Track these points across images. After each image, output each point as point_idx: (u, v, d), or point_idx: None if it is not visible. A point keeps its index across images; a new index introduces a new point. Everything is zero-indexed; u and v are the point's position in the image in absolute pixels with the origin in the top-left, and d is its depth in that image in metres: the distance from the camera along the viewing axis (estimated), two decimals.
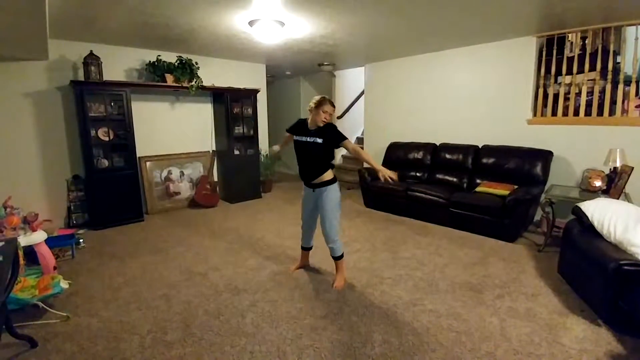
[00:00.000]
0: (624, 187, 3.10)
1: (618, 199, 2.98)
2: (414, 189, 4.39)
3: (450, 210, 3.99)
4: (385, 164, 5.36)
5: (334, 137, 2.46)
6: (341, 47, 4.71)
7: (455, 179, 4.53)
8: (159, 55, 4.52)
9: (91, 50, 3.92)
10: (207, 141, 5.44)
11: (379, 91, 5.90)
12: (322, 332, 2.09)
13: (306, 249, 2.94)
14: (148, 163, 4.78)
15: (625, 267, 1.99)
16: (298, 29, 3.74)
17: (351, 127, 7.53)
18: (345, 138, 2.46)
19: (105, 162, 4.18)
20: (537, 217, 4.05)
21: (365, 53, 5.26)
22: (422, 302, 2.41)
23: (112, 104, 4.18)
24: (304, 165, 2.60)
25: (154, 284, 2.74)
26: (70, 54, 4.02)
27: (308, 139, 2.51)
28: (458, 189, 4.33)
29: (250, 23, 3.43)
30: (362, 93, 6.49)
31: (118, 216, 4.23)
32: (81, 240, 3.57)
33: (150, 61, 4.50)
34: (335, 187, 2.57)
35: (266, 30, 3.49)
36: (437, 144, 4.94)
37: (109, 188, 4.13)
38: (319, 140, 2.46)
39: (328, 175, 2.55)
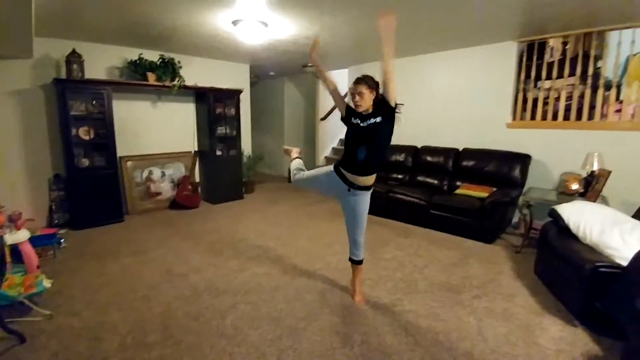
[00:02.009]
0: (601, 191, 3.19)
1: (595, 202, 3.07)
2: (396, 191, 4.42)
3: (431, 212, 4.03)
4: None
5: (386, 104, 2.02)
6: (325, 49, 4.71)
7: (436, 181, 4.59)
8: (141, 54, 4.44)
9: (74, 48, 3.83)
10: (189, 141, 5.35)
11: None
12: (302, 332, 2.08)
13: (359, 262, 2.46)
14: (129, 163, 4.68)
15: (601, 269, 2.05)
16: (282, 30, 3.73)
17: (334, 129, 7.54)
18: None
19: (86, 162, 4.08)
20: (515, 219, 4.14)
21: (349, 55, 5.28)
22: (402, 303, 2.43)
23: (94, 102, 4.08)
24: (355, 157, 2.10)
25: (134, 285, 2.69)
26: (53, 51, 3.93)
27: (364, 123, 2.04)
28: (439, 191, 4.39)
29: (234, 23, 3.40)
30: (346, 95, 6.50)
31: (99, 216, 4.13)
32: (62, 240, 3.51)
33: (132, 59, 4.41)
34: (370, 193, 2.30)
35: (250, 31, 3.47)
36: (419, 147, 5.00)
37: (89, 188, 4.04)
38: (378, 120, 2.00)
39: (375, 179, 2.23)
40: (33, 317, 2.23)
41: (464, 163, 4.39)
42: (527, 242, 3.44)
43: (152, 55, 4.53)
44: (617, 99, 3.57)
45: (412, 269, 3.00)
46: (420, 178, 4.77)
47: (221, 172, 5.27)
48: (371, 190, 2.26)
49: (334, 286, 2.69)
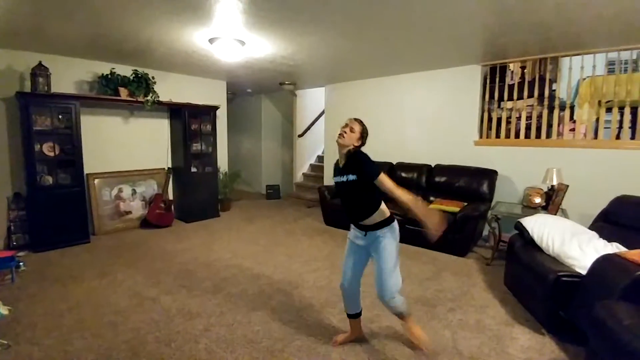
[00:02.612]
0: (560, 204, 3.40)
1: (556, 214, 3.26)
2: None
3: (406, 227, 4.11)
4: None
5: (368, 170, 1.86)
6: (302, 68, 4.83)
7: None
8: (113, 69, 4.34)
9: (40, 61, 3.69)
10: (162, 158, 5.23)
11: (338, 111, 6.06)
12: (279, 354, 2.04)
13: (354, 315, 2.16)
14: (97, 180, 4.49)
15: (564, 278, 2.17)
16: (259, 49, 3.79)
17: (312, 145, 7.63)
18: (379, 173, 1.83)
19: (50, 179, 3.87)
20: (485, 232, 4.31)
21: (326, 74, 5.42)
22: (379, 319, 2.43)
23: (60, 117, 3.92)
24: (346, 207, 2.05)
25: (100, 310, 2.54)
26: (17, 64, 3.78)
27: (342, 179, 1.96)
28: None
29: (211, 41, 3.42)
30: (323, 112, 6.64)
31: (62, 237, 3.90)
32: (22, 263, 3.29)
33: (103, 74, 4.30)
34: (394, 226, 1.98)
35: (226, 49, 3.50)
36: (394, 163, 5.14)
37: (52, 207, 3.81)
38: (352, 177, 1.90)
39: (381, 214, 1.94)
40: None
41: (437, 179, 4.55)
42: (497, 254, 3.58)
43: (125, 70, 4.45)
44: (571, 118, 3.87)
45: None
46: None
47: (196, 190, 5.16)
48: (393, 222, 1.99)
49: (312, 304, 2.66)
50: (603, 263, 2.00)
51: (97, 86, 4.34)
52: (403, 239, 4.06)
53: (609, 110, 3.68)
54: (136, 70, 4.53)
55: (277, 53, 3.97)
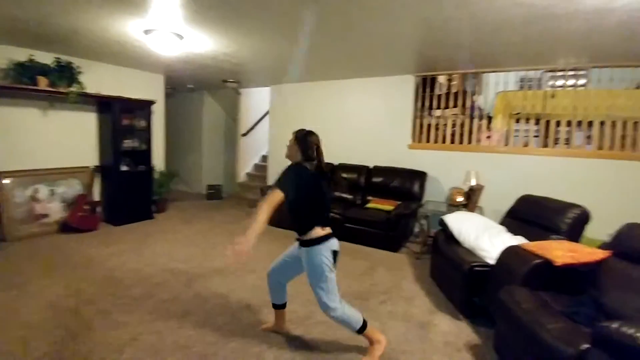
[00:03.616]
0: (477, 202, 3.81)
1: (473, 212, 3.64)
2: None
3: (345, 225, 4.28)
4: None
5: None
6: (246, 67, 4.76)
7: (350, 196, 4.91)
8: (32, 55, 3.87)
9: None
10: (88, 155, 4.78)
11: (282, 112, 6.09)
12: (213, 357, 2.01)
13: (275, 306, 2.25)
14: (8, 180, 3.95)
15: (476, 268, 2.45)
16: (199, 44, 3.66)
17: (256, 145, 7.53)
18: (275, 187, 1.90)
19: None
20: (417, 229, 4.65)
21: (270, 74, 5.41)
22: (315, 316, 2.50)
23: None
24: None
25: (7, 325, 2.26)
26: None
27: None
28: (352, 205, 4.70)
29: (146, 32, 3.23)
30: (268, 112, 6.60)
31: None
32: None
33: (19, 61, 3.81)
34: (315, 251, 1.93)
35: (163, 42, 3.33)
36: (336, 164, 5.29)
37: None
38: None
39: (312, 233, 1.95)
40: None
41: (374, 179, 4.80)
42: (426, 249, 3.88)
43: (46, 58, 4.00)
44: (488, 127, 4.37)
45: None
46: (336, 193, 5.03)
47: (127, 190, 4.79)
48: (317, 246, 1.94)
49: (248, 305, 2.65)
50: (508, 254, 2.30)
51: (12, 74, 3.82)
52: (343, 237, 4.25)
53: (518, 121, 4.23)
54: (59, 58, 4.09)
55: (219, 50, 3.87)
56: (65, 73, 4.11)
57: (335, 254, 2.00)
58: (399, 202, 4.29)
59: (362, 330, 1.99)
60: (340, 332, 2.29)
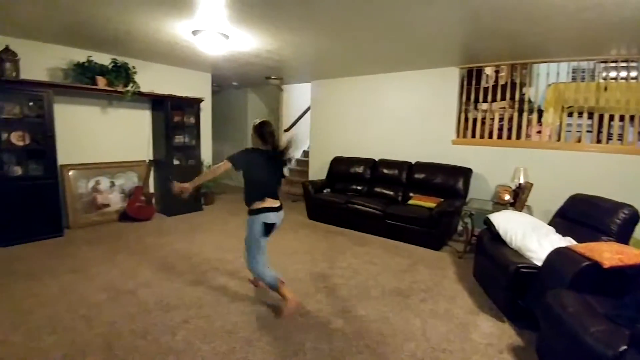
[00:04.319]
0: (525, 201, 3.60)
1: (521, 211, 3.45)
2: (354, 201, 4.60)
3: (386, 221, 4.24)
4: (329, 177, 5.58)
5: None
6: (287, 63, 4.85)
7: (391, 192, 4.84)
8: (90, 56, 4.22)
9: (7, 46, 3.53)
10: (143, 150, 5.15)
11: (324, 107, 6.13)
12: (256, 343, 2.10)
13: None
14: (72, 172, 4.38)
15: (522, 270, 2.33)
16: (243, 43, 3.78)
17: (298, 140, 7.66)
18: (226, 158, 2.37)
19: (18, 170, 3.73)
20: (460, 227, 4.48)
21: (311, 70, 5.46)
22: (355, 309, 2.53)
23: (31, 105, 3.77)
24: None
25: (72, 305, 2.50)
26: None
27: None
28: (394, 202, 4.64)
29: (194, 32, 3.40)
30: (309, 108, 6.68)
31: (32, 231, 3.77)
32: None
33: (79, 62, 4.17)
34: (252, 219, 2.40)
35: (210, 41, 3.48)
36: (377, 160, 5.25)
37: (22, 199, 3.68)
38: None
39: (253, 205, 2.40)
40: None
41: (416, 175, 4.69)
42: (469, 248, 3.74)
43: (103, 59, 4.34)
44: (539, 121, 4.09)
45: (366, 276, 3.14)
46: (377, 189, 4.99)
47: (179, 183, 5.10)
48: (251, 218, 2.42)
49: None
50: (556, 255, 2.18)
51: (73, 74, 4.19)
52: (383, 233, 4.23)
53: (570, 115, 3.93)
54: (115, 59, 4.42)
55: (262, 48, 3.97)
56: (122, 73, 4.43)
57: (267, 225, 2.40)
58: (441, 200, 4.17)
59: (274, 289, 2.43)
60: (377, 325, 2.31)
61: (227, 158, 2.34)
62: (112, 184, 4.75)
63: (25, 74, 3.70)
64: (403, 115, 5.12)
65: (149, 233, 4.26)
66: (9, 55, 3.54)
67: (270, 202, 2.41)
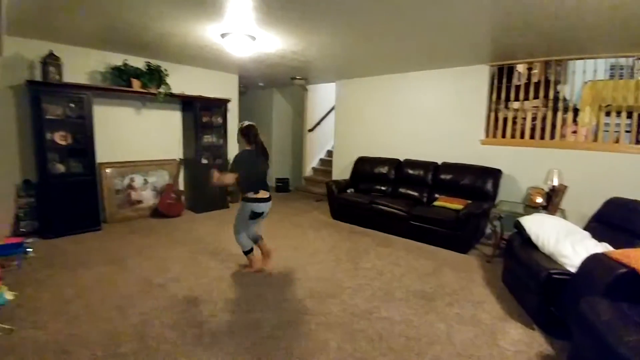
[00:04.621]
0: (559, 204, 3.43)
1: (554, 214, 3.29)
2: (378, 202, 4.56)
3: (411, 223, 4.18)
4: (353, 177, 5.56)
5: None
6: (312, 64, 4.88)
7: (416, 193, 4.76)
8: (126, 60, 4.45)
9: (51, 51, 3.77)
10: (173, 149, 5.36)
11: (348, 107, 6.12)
12: (280, 340, 2.13)
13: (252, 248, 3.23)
14: (108, 170, 4.62)
15: (555, 276, 2.23)
16: (269, 44, 3.85)
17: (322, 140, 7.70)
18: (230, 170, 2.94)
19: (61, 167, 3.98)
20: (489, 230, 4.34)
21: (336, 70, 5.47)
22: (378, 310, 2.52)
23: (72, 106, 4.01)
24: None
25: (108, 296, 2.65)
26: (27, 52, 3.81)
27: None
28: (418, 203, 4.56)
29: (222, 35, 3.50)
30: (333, 108, 6.69)
31: (73, 224, 4.02)
32: (29, 250, 3.35)
33: (116, 65, 4.40)
34: (244, 205, 2.96)
35: (238, 43, 3.57)
36: (401, 160, 5.18)
37: (63, 195, 3.93)
38: None
39: (247, 195, 2.94)
40: None
41: (442, 176, 4.59)
42: (498, 252, 3.62)
43: (138, 62, 4.56)
44: (574, 121, 3.88)
45: (390, 277, 3.11)
46: (402, 190, 4.93)
47: (206, 181, 5.27)
48: (243, 203, 2.98)
49: (314, 294, 2.76)
50: (591, 262, 2.07)
51: (110, 77, 4.43)
52: (408, 234, 4.16)
53: (608, 114, 3.71)
54: (149, 62, 4.64)
55: (288, 49, 4.03)
56: (155, 75, 4.64)
57: (254, 213, 2.94)
58: (469, 201, 4.05)
59: (247, 254, 3.08)
60: (401, 327, 2.29)
61: (230, 170, 2.91)
62: (145, 182, 4.98)
63: (67, 78, 3.95)
64: (429, 115, 5.02)
65: (178, 228, 4.43)
66: (53, 60, 3.79)
67: (262, 194, 2.93)
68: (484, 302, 2.68)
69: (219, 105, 5.46)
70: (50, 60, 3.77)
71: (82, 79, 4.24)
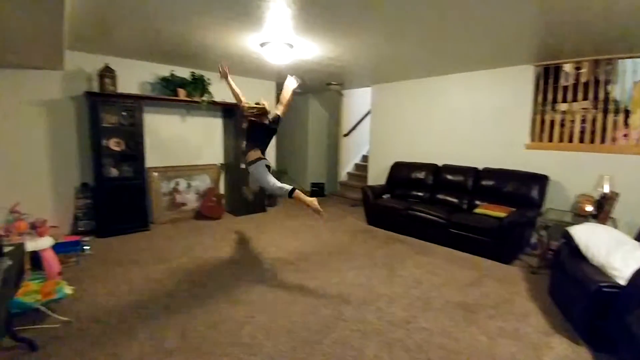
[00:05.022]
0: (610, 212, 3.18)
1: (605, 223, 3.06)
2: (415, 208, 4.47)
3: (450, 230, 4.05)
4: (389, 182, 5.49)
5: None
6: (348, 69, 4.90)
7: (455, 200, 4.61)
8: (173, 71, 4.74)
9: (107, 64, 4.11)
10: (215, 154, 5.61)
11: (384, 111, 6.07)
12: (316, 345, 2.16)
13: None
14: (156, 174, 4.93)
15: (605, 289, 2.08)
16: (307, 51, 3.93)
17: (357, 145, 7.69)
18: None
19: (115, 172, 4.31)
20: (534, 240, 4.10)
21: (372, 75, 5.45)
22: (416, 320, 2.48)
23: (125, 114, 4.33)
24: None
25: (156, 293, 2.82)
26: (85, 65, 4.16)
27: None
28: (458, 210, 4.41)
29: (262, 44, 3.63)
30: (369, 112, 6.66)
31: (124, 225, 4.33)
32: (86, 248, 3.63)
33: (164, 76, 4.71)
34: (254, 166, 3.20)
35: (276, 52, 3.69)
36: (440, 165, 5.05)
37: (116, 197, 4.25)
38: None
39: (251, 157, 3.24)
40: (50, 324, 2.27)
41: (484, 182, 4.41)
42: (544, 263, 3.42)
43: (183, 72, 4.84)
44: (626, 123, 3.58)
45: (428, 286, 3.04)
46: (440, 196, 4.79)
47: (245, 185, 5.46)
48: (254, 164, 3.20)
49: (349, 301, 2.76)
50: None
51: (158, 87, 4.75)
52: (447, 243, 4.05)
53: None
54: (193, 72, 4.91)
55: (324, 55, 4.09)
56: (199, 85, 4.90)
57: (267, 166, 3.22)
58: (512, 209, 3.85)
59: (291, 193, 2.98)
60: (440, 339, 2.23)
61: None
62: (189, 185, 5.25)
63: (121, 88, 4.28)
64: (469, 119, 4.86)
65: (219, 231, 4.62)
66: (109, 72, 4.14)
67: (262, 155, 3.26)
68: (528, 316, 2.55)
69: None
70: (106, 73, 4.11)
71: (133, 89, 4.57)
